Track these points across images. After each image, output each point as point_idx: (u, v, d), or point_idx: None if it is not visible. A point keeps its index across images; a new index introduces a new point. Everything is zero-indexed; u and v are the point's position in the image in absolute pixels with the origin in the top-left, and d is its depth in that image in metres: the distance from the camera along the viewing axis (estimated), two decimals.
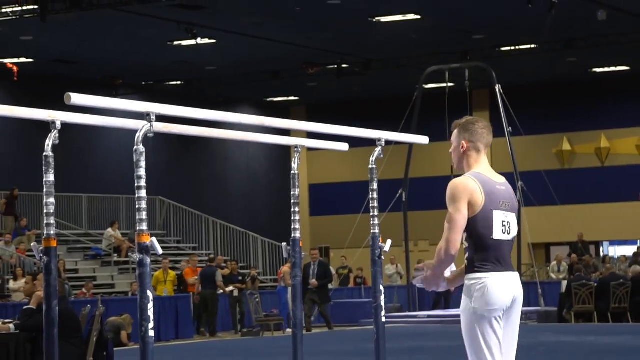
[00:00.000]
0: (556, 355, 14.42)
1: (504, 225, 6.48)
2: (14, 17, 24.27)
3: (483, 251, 6.45)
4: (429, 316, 25.18)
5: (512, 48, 30.00)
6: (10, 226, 29.09)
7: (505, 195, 6.52)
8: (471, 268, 6.48)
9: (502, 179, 6.58)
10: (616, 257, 34.31)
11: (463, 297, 6.50)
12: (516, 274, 6.54)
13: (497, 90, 25.00)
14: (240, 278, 27.01)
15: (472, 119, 6.71)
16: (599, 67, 33.93)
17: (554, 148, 36.58)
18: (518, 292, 6.55)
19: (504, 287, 6.46)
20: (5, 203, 29.55)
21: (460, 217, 6.37)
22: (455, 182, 6.47)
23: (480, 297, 6.43)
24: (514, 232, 6.52)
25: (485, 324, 6.43)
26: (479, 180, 6.45)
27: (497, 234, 6.44)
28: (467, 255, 6.53)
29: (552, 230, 34.28)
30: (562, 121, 36.36)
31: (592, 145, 36.44)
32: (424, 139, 9.03)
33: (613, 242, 37.51)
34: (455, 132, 6.69)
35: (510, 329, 6.56)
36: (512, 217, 6.52)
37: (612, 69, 34.18)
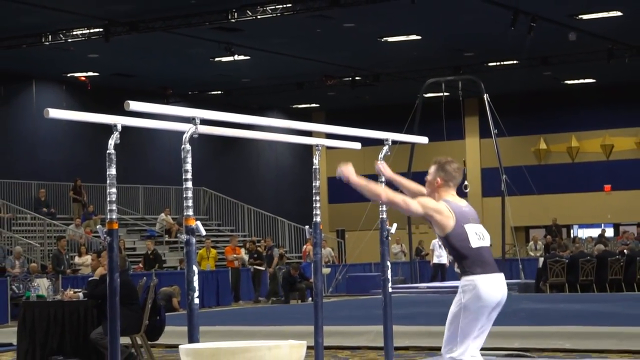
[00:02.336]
0: (534, 319, 14.40)
1: (477, 234, 6.49)
2: (83, 39, 24.37)
3: (468, 258, 6.44)
4: (428, 287, 25.17)
5: (498, 63, 29.98)
6: (78, 212, 29.19)
7: (471, 212, 6.59)
8: (464, 272, 6.48)
9: (465, 202, 6.67)
10: (584, 238, 34.31)
11: (457, 294, 6.49)
12: (502, 275, 6.54)
13: (485, 98, 24.95)
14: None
15: (450, 160, 6.74)
16: (570, 79, 33.90)
17: (532, 147, 36.54)
18: (504, 292, 6.54)
19: (492, 288, 6.45)
20: (73, 193, 29.68)
21: (418, 208, 6.46)
22: (437, 205, 6.55)
23: (472, 295, 6.41)
24: (488, 238, 6.56)
25: (470, 316, 6.41)
26: (449, 204, 6.50)
27: (474, 242, 6.45)
28: (456, 266, 6.57)
29: (531, 216, 34.28)
30: (539, 125, 36.35)
31: (564, 144, 36.41)
32: (423, 139, 9.03)
33: (582, 225, 37.47)
34: (433, 167, 6.76)
35: (489, 319, 6.55)
36: (481, 228, 6.55)
37: (581, 81, 34.12)
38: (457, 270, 6.60)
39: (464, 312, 6.44)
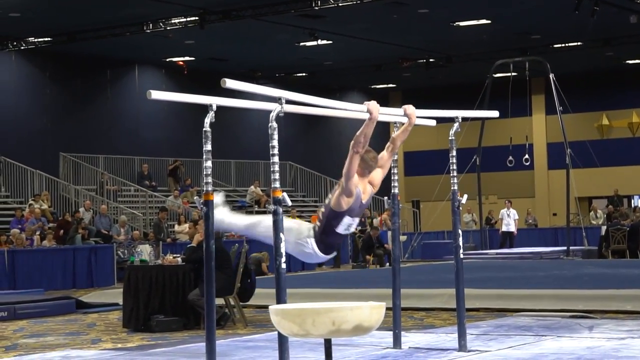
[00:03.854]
0: (597, 283, 14.24)
1: (347, 225, 6.74)
2: (180, 26, 24.57)
3: (326, 235, 6.70)
4: (496, 253, 25.04)
5: (562, 45, 29.60)
6: (172, 186, 29.49)
7: (363, 207, 6.85)
8: (315, 233, 6.73)
9: (369, 192, 6.92)
10: None
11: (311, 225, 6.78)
12: (330, 257, 6.90)
13: (551, 78, 24.66)
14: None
15: (368, 150, 7.01)
16: (630, 59, 33.34)
17: (595, 123, 36.07)
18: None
19: (314, 260, 6.88)
20: (169, 171, 30.04)
21: (350, 171, 6.74)
22: (352, 185, 6.75)
23: (304, 245, 6.73)
24: (353, 229, 6.88)
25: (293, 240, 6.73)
26: (357, 197, 6.73)
27: (340, 229, 6.73)
28: (318, 220, 6.77)
29: (594, 187, 33.86)
30: (602, 102, 35.88)
31: (625, 120, 35.90)
32: (494, 113, 8.91)
33: None
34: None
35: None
36: (356, 221, 6.83)
37: None
38: (315, 225, 6.77)
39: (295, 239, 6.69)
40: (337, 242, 6.84)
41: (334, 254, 6.99)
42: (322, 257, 6.82)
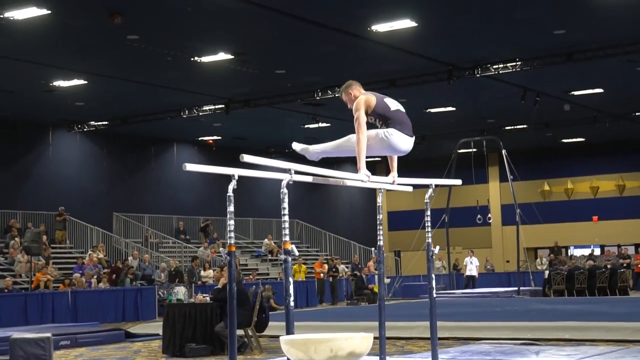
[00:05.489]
0: (541, 316, 14.13)
1: (394, 102, 6.39)
2: (209, 112, 24.68)
3: (389, 119, 6.30)
4: (462, 293, 24.87)
5: (512, 127, 29.71)
6: (203, 239, 29.39)
7: (381, 96, 6.40)
8: (387, 126, 6.31)
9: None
10: (578, 255, 33.70)
11: (377, 130, 6.29)
12: (412, 138, 6.44)
13: (504, 153, 24.71)
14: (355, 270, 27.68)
15: (348, 82, 6.56)
16: (565, 138, 33.49)
17: (538, 188, 36.11)
18: (409, 148, 6.45)
19: (403, 143, 6.35)
20: (201, 228, 29.98)
21: (363, 115, 6.25)
22: (359, 98, 6.38)
23: (388, 138, 6.28)
24: (400, 104, 6.46)
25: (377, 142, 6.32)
26: (367, 93, 6.38)
27: (393, 106, 6.35)
28: (380, 125, 6.32)
29: (538, 239, 33.77)
30: (543, 172, 35.98)
31: (562, 186, 35.95)
32: (458, 182, 8.90)
33: (576, 246, 36.81)
34: (344, 95, 6.64)
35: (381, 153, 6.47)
36: (393, 101, 6.41)
37: (574, 140, 33.71)
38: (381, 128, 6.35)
39: (376, 136, 6.32)
40: (405, 120, 6.38)
41: (413, 137, 6.47)
42: (410, 140, 6.36)
